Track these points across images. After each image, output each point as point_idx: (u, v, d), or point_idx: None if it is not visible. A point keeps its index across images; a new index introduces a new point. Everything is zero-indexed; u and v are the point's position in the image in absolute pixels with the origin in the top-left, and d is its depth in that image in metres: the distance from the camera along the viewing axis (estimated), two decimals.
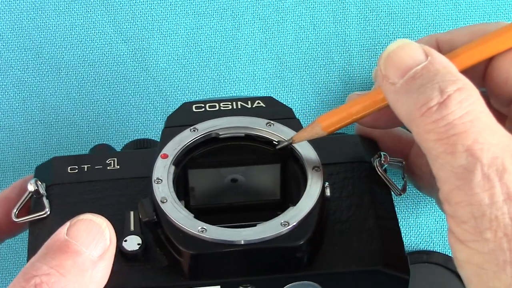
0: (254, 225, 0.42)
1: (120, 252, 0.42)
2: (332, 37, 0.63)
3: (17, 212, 0.45)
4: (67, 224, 0.40)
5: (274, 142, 0.46)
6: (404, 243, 0.59)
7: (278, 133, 0.46)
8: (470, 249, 0.37)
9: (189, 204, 0.47)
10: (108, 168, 0.47)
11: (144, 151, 0.50)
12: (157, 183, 0.43)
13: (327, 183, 0.43)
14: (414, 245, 0.62)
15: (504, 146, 0.37)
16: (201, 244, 0.41)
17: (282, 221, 0.41)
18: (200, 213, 0.45)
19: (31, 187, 0.45)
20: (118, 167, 0.47)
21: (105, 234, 0.40)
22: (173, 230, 0.42)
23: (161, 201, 0.42)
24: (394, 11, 0.63)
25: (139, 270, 0.42)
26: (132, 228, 0.43)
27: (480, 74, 0.44)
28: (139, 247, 0.42)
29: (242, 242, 0.41)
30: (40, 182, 0.45)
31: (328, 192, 0.43)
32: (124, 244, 0.42)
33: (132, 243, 0.43)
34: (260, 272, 0.42)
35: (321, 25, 0.63)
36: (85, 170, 0.47)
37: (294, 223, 0.41)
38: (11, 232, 0.48)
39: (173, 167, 0.44)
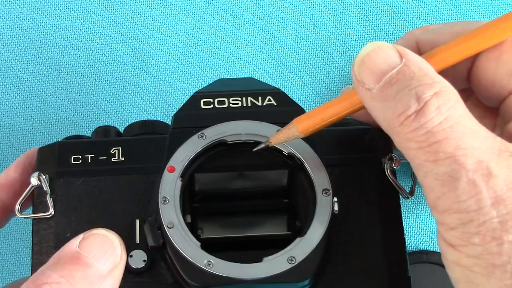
0: (260, 259, 0.41)
1: (125, 267, 0.42)
2: (332, 37, 0.63)
3: (20, 207, 0.45)
4: (80, 236, 0.40)
5: (283, 152, 0.44)
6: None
7: (287, 143, 0.44)
8: (459, 252, 0.37)
9: (194, 202, 0.46)
10: (112, 159, 0.45)
11: (150, 139, 0.48)
12: (164, 203, 0.42)
13: (335, 198, 0.42)
14: (414, 245, 0.62)
15: (488, 149, 0.36)
16: (207, 278, 0.40)
17: (289, 257, 0.41)
18: (205, 215, 0.45)
19: (34, 181, 0.44)
20: (123, 159, 0.45)
21: (116, 251, 0.40)
22: (179, 259, 0.41)
23: (167, 226, 0.41)
24: (394, 11, 0.63)
25: (144, 286, 0.42)
26: (137, 240, 0.43)
27: (464, 74, 0.43)
28: (145, 264, 0.42)
29: (248, 279, 0.40)
30: (43, 176, 0.44)
31: (336, 208, 0.42)
32: (129, 260, 0.42)
33: (138, 259, 0.42)
34: None
35: (321, 25, 0.63)
36: (89, 161, 0.45)
37: (301, 259, 0.41)
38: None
39: (180, 182, 0.43)
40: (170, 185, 0.43)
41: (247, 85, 0.46)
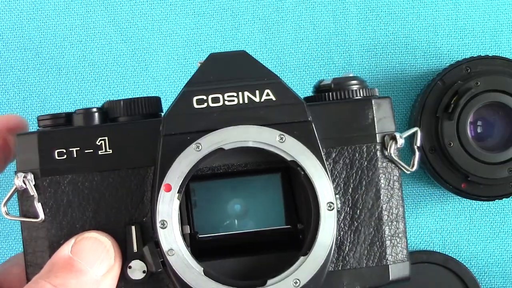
0: (265, 282, 0.40)
1: (124, 279, 0.41)
2: (332, 37, 0.63)
3: (6, 209, 0.42)
4: (72, 240, 0.40)
5: (285, 159, 0.42)
6: None
7: (290, 151, 0.42)
8: None
9: (194, 230, 0.44)
10: (99, 153, 0.43)
11: (138, 125, 0.44)
12: (163, 227, 0.40)
13: (337, 196, 0.42)
14: (414, 245, 0.62)
15: None
16: None
17: (293, 280, 0.40)
18: (207, 247, 0.43)
19: (18, 183, 0.42)
20: (111, 151, 0.43)
21: (109, 253, 0.40)
22: (182, 286, 0.40)
23: (168, 253, 0.40)
24: (394, 11, 0.63)
25: None
26: (135, 249, 0.42)
27: None
28: (145, 275, 0.41)
29: None
30: (28, 177, 0.42)
31: (338, 204, 0.41)
32: (128, 271, 0.41)
33: (137, 270, 0.41)
34: None
35: (321, 25, 0.63)
36: (74, 155, 0.43)
37: (306, 281, 0.40)
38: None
39: (178, 202, 0.41)
40: (168, 206, 0.41)
41: (242, 71, 0.44)
